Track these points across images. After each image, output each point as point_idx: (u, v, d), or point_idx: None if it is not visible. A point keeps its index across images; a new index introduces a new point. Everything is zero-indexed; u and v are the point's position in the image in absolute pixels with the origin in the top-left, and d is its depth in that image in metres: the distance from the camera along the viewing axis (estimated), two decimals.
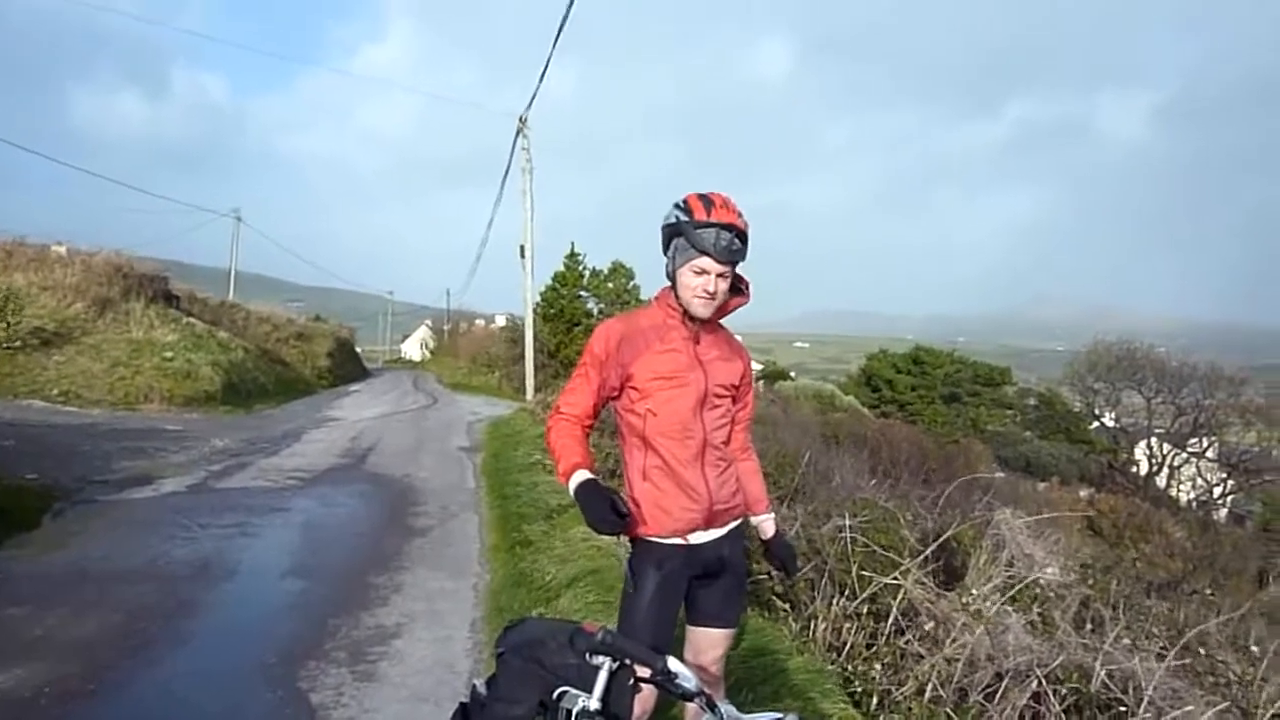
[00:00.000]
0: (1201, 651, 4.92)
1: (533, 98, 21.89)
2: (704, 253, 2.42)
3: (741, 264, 2.53)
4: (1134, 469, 37.27)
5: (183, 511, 7.77)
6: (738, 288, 2.63)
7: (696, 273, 2.46)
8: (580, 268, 35.88)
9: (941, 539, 5.27)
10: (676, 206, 2.49)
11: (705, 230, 2.41)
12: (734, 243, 2.43)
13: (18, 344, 16.04)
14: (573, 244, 36.20)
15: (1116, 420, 40.40)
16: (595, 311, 34.49)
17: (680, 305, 2.55)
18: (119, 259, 21.46)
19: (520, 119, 22.35)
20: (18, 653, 4.33)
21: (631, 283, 35.25)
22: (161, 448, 11.44)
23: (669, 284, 2.59)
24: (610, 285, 35.56)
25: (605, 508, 2.24)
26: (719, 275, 2.46)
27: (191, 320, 22.39)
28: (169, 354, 18.31)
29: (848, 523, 5.35)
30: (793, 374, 59.72)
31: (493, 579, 6.28)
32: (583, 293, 35.72)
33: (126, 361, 17.30)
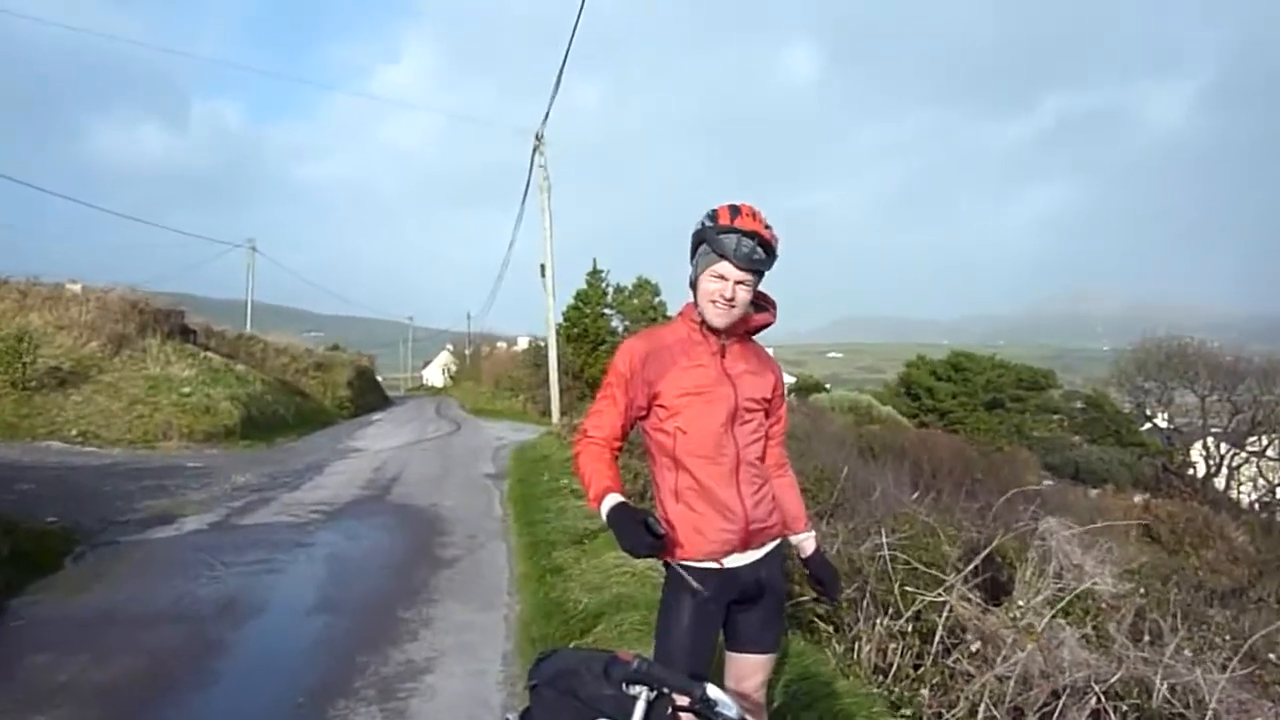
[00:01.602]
0: (1272, 658, 4.73)
1: (546, 114, 22.00)
2: (723, 257, 2.37)
3: (767, 275, 2.46)
4: (1190, 471, 35.93)
5: (205, 550, 7.70)
6: (763, 306, 2.58)
7: (715, 278, 2.41)
8: (603, 285, 35.63)
9: (984, 552, 5.10)
10: (706, 215, 2.45)
11: (727, 235, 2.37)
12: (756, 250, 2.38)
13: (34, 384, 16.08)
14: (594, 260, 35.99)
15: (1170, 421, 39.29)
16: (620, 329, 34.24)
17: (700, 315, 2.49)
18: (134, 295, 21.64)
19: (536, 136, 22.28)
20: (40, 701, 4.25)
21: (657, 299, 34.96)
22: (182, 485, 11.42)
23: (693, 297, 2.53)
24: (635, 302, 35.29)
25: (640, 530, 2.17)
26: (738, 282, 2.40)
27: (208, 354, 22.47)
28: (187, 389, 18.33)
29: (886, 540, 5.19)
30: (827, 385, 59.06)
31: (524, 609, 6.17)
32: (606, 310, 35.47)
33: (144, 399, 17.29)
